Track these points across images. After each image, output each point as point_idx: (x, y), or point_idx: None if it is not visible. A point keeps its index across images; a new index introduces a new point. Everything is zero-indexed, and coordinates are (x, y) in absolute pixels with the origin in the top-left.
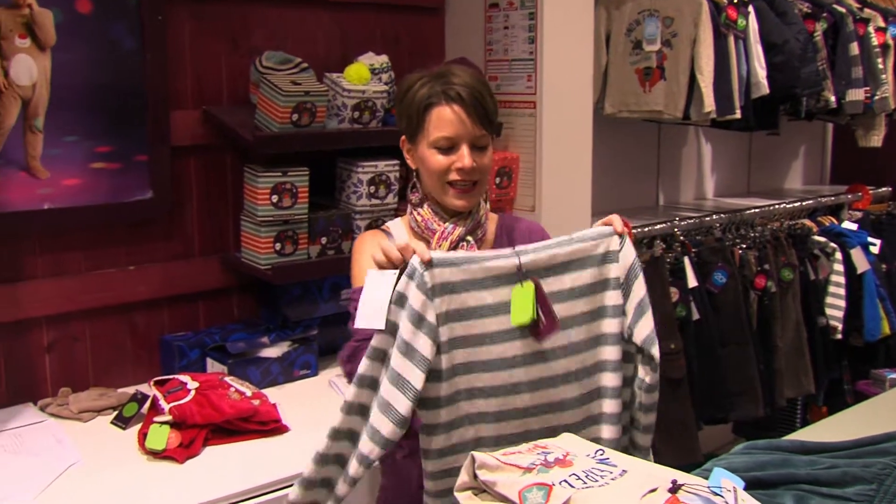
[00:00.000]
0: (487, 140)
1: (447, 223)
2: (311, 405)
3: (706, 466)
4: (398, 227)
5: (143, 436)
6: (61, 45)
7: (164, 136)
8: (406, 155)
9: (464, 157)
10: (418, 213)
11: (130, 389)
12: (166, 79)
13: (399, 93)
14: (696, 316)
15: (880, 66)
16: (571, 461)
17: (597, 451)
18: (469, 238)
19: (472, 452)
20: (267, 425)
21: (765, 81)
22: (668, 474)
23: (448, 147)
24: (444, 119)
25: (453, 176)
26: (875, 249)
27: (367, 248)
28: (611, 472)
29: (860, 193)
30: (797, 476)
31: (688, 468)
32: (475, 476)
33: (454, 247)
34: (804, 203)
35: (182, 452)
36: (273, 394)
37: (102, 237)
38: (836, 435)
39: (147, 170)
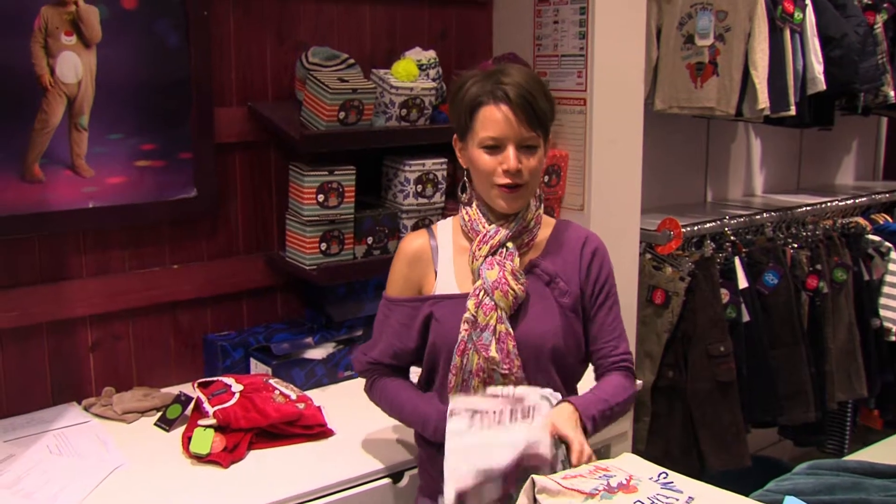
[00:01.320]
0: (537, 141)
1: (492, 225)
2: (356, 407)
3: (769, 487)
4: (445, 227)
5: (187, 439)
6: (106, 41)
7: (209, 133)
8: (458, 154)
9: (509, 157)
10: (466, 213)
11: (174, 390)
12: (211, 75)
13: (451, 91)
14: (746, 318)
15: None
16: (636, 486)
17: (660, 473)
18: (509, 245)
19: (533, 476)
20: (312, 429)
21: (822, 77)
22: (738, 502)
23: (495, 147)
24: (491, 119)
25: (499, 177)
26: None
27: (406, 257)
28: (677, 499)
29: None
30: (870, 502)
31: (736, 474)
32: (535, 500)
33: (494, 252)
34: (857, 200)
35: (226, 457)
36: (318, 395)
37: (146, 236)
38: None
39: (191, 167)
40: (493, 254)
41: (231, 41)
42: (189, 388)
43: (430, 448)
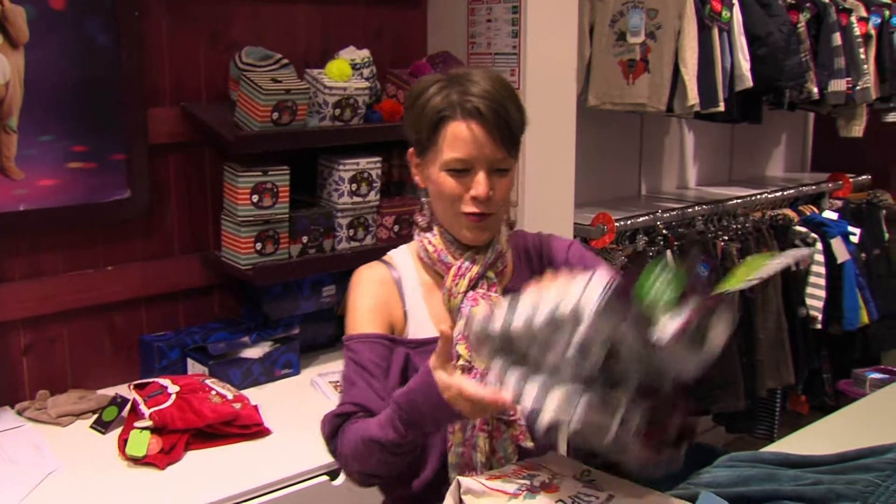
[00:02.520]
0: (510, 163)
1: (464, 257)
2: (294, 405)
3: (689, 480)
4: (403, 258)
5: (123, 442)
6: (34, 42)
7: (142, 134)
8: (413, 170)
9: (479, 183)
10: (428, 242)
11: (110, 391)
12: (142, 75)
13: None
14: None
15: (862, 57)
16: (557, 485)
17: (583, 472)
18: (490, 274)
19: (458, 477)
20: (249, 429)
21: (748, 74)
22: (656, 499)
23: (462, 170)
24: (459, 138)
25: (466, 205)
26: (855, 239)
27: (367, 289)
28: (597, 497)
29: (840, 182)
30: (782, 492)
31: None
32: (461, 502)
33: (473, 286)
34: (786, 193)
35: (163, 458)
36: (255, 394)
37: (80, 238)
38: (821, 443)
39: (124, 169)
40: (473, 287)
41: (163, 41)
42: (125, 390)
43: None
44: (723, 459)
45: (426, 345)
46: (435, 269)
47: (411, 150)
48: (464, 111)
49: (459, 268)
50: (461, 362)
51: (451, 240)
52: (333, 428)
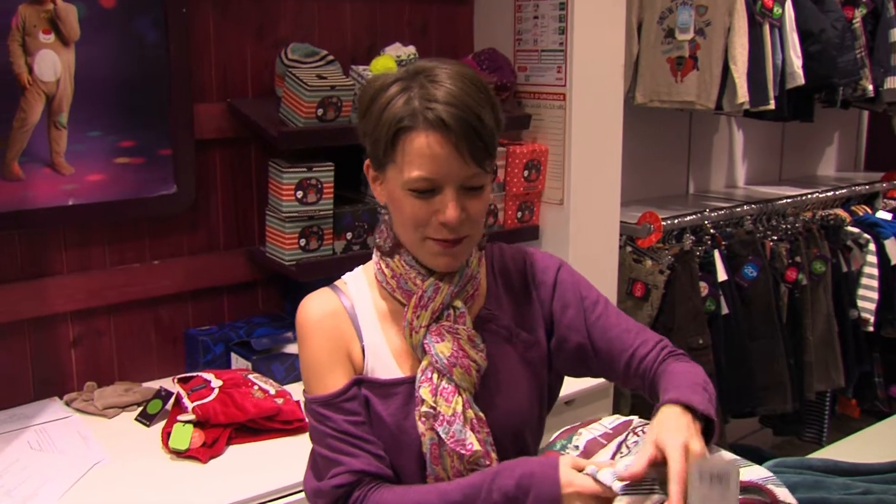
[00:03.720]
0: (483, 179)
1: (427, 281)
2: None
3: None
4: (357, 283)
5: (166, 435)
6: (85, 39)
7: (188, 129)
8: (372, 184)
9: (447, 206)
10: (387, 266)
11: (155, 384)
12: (190, 71)
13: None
14: (725, 310)
15: None
16: None
17: None
18: (458, 304)
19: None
20: (291, 424)
21: (800, 71)
22: None
23: (426, 190)
24: (421, 153)
25: (434, 230)
26: None
27: (318, 330)
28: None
29: (895, 181)
30: (830, 501)
31: None
32: None
33: (437, 317)
34: (837, 192)
35: (205, 452)
36: (297, 389)
37: (127, 232)
38: (871, 450)
39: (171, 164)
40: (438, 319)
41: (210, 38)
42: (169, 383)
43: None
44: (770, 464)
45: (389, 387)
46: (394, 297)
47: (367, 161)
48: (426, 122)
49: (420, 297)
50: (425, 408)
51: (413, 263)
52: (338, 499)
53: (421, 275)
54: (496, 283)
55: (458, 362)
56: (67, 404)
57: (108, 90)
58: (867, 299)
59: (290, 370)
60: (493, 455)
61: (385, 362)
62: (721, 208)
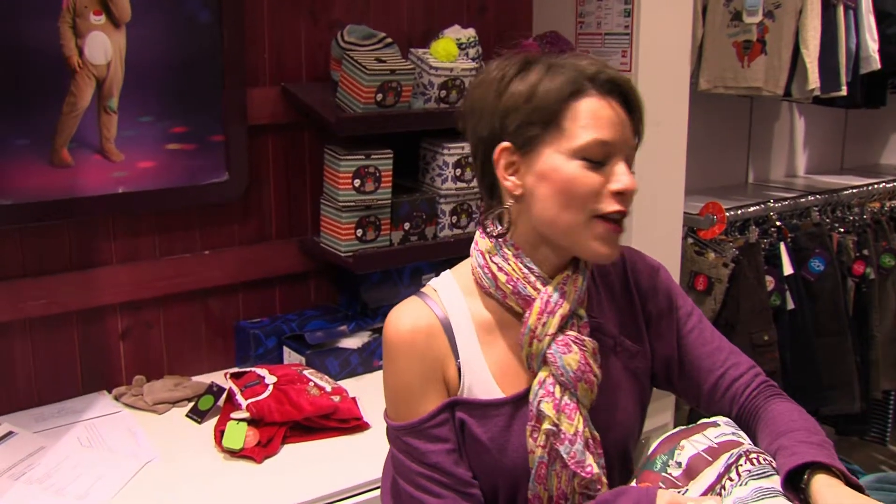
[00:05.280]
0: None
1: (551, 286)
2: None
3: None
4: (450, 291)
5: (219, 433)
6: (136, 20)
7: (241, 115)
8: (503, 172)
9: (622, 173)
10: (498, 268)
11: (205, 378)
12: (243, 54)
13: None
14: (791, 305)
15: None
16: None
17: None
18: (581, 312)
19: None
20: (348, 423)
21: (876, 56)
22: None
23: (599, 160)
24: (599, 116)
25: (608, 202)
26: None
27: (410, 350)
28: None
29: None
30: None
31: None
32: None
33: (564, 324)
34: None
35: (260, 452)
36: (352, 385)
37: (177, 221)
38: None
39: (223, 151)
40: (562, 328)
41: (264, 19)
42: (221, 378)
43: None
44: (870, 480)
45: (489, 408)
46: (504, 303)
47: (503, 146)
48: (601, 85)
49: (547, 302)
50: (548, 425)
51: (532, 266)
52: None
53: (541, 278)
54: (597, 286)
55: (584, 377)
56: (116, 399)
57: (159, 74)
58: None
59: (344, 365)
60: (604, 479)
61: (484, 380)
62: (784, 199)
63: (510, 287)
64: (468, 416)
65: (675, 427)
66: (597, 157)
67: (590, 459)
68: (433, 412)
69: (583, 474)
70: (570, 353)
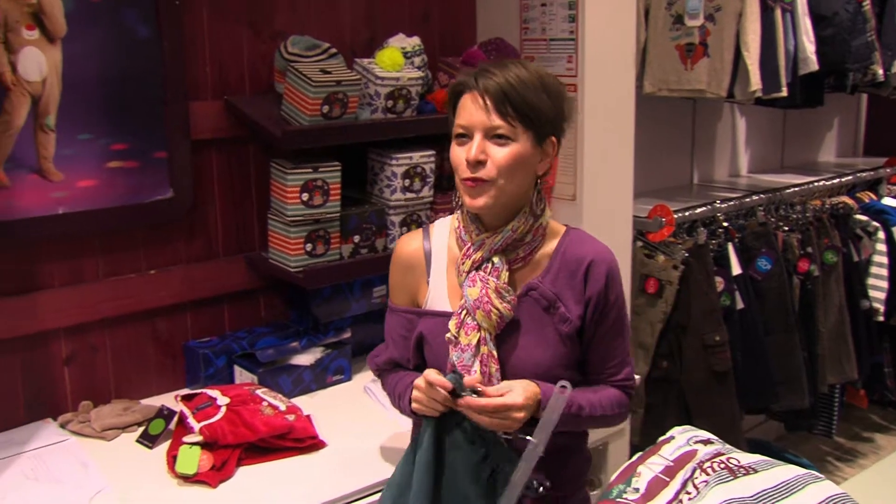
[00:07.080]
0: (511, 132)
1: (479, 237)
2: (347, 413)
3: None
4: (442, 229)
5: (172, 458)
6: (72, 35)
7: (184, 130)
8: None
9: (472, 146)
10: (457, 217)
11: (155, 401)
12: (184, 68)
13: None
14: (740, 305)
15: None
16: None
17: None
18: (495, 259)
19: None
20: (303, 442)
21: (813, 57)
22: None
23: (463, 136)
24: (464, 107)
25: (464, 170)
26: None
27: (399, 263)
28: None
29: None
30: None
31: None
32: None
33: (478, 266)
34: (843, 179)
35: (215, 476)
36: (306, 402)
37: (121, 241)
38: None
39: (166, 167)
40: (478, 269)
41: (204, 32)
42: (171, 400)
43: None
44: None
45: (436, 317)
46: (459, 245)
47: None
48: (475, 86)
49: (469, 248)
50: (448, 335)
51: (472, 218)
52: (376, 372)
53: (477, 230)
54: (556, 261)
55: (482, 306)
56: (62, 426)
57: (98, 90)
58: (877, 288)
59: (297, 382)
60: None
61: (440, 297)
62: (729, 199)
63: (458, 233)
64: (420, 320)
65: (629, 433)
66: (460, 135)
67: (476, 366)
68: (403, 309)
69: (467, 374)
70: (474, 287)
